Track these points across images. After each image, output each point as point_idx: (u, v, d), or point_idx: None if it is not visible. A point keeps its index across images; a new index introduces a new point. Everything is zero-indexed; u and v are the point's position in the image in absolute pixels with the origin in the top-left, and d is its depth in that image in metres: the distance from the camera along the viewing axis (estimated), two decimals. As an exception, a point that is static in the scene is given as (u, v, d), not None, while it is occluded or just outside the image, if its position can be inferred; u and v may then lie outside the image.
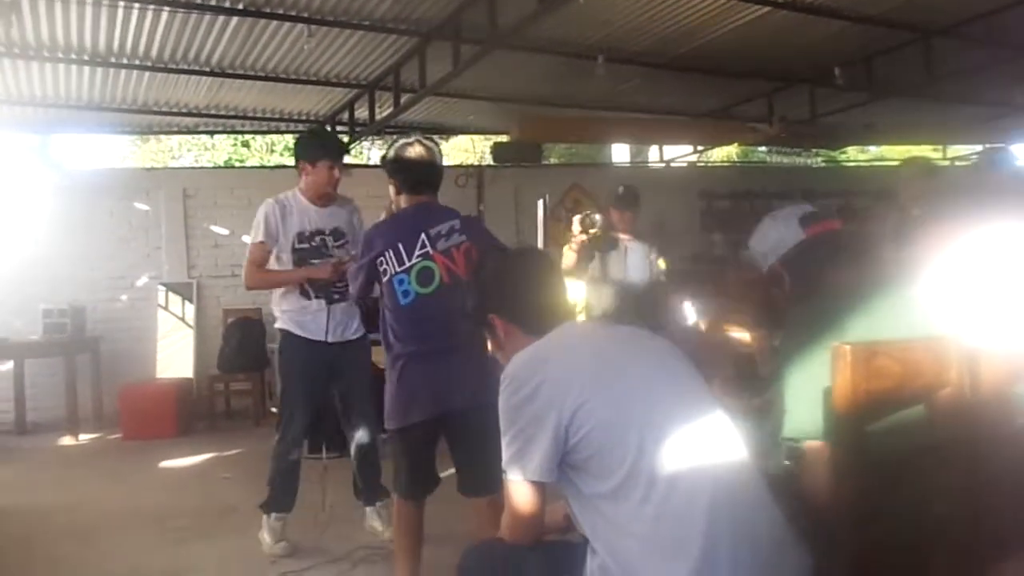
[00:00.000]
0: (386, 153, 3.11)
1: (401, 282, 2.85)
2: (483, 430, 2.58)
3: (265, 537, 3.73)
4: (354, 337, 3.80)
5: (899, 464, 1.61)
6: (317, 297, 3.69)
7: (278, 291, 3.79)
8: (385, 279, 2.88)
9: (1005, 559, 1.27)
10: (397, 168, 2.99)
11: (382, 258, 2.88)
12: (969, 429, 1.56)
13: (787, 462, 1.86)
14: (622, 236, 4.68)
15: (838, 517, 1.58)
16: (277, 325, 3.83)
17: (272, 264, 3.75)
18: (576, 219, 4.40)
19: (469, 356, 2.69)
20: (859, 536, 1.54)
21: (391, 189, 3.03)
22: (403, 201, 3.00)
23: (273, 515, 3.74)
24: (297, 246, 3.71)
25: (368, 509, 3.90)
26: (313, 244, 3.73)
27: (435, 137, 5.93)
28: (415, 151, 2.97)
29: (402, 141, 3.02)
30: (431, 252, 2.86)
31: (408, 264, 2.85)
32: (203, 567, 3.60)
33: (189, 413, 7.08)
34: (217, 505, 4.57)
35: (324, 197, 3.76)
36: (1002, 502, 1.54)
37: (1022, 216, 2.15)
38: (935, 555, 1.55)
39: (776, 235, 2.00)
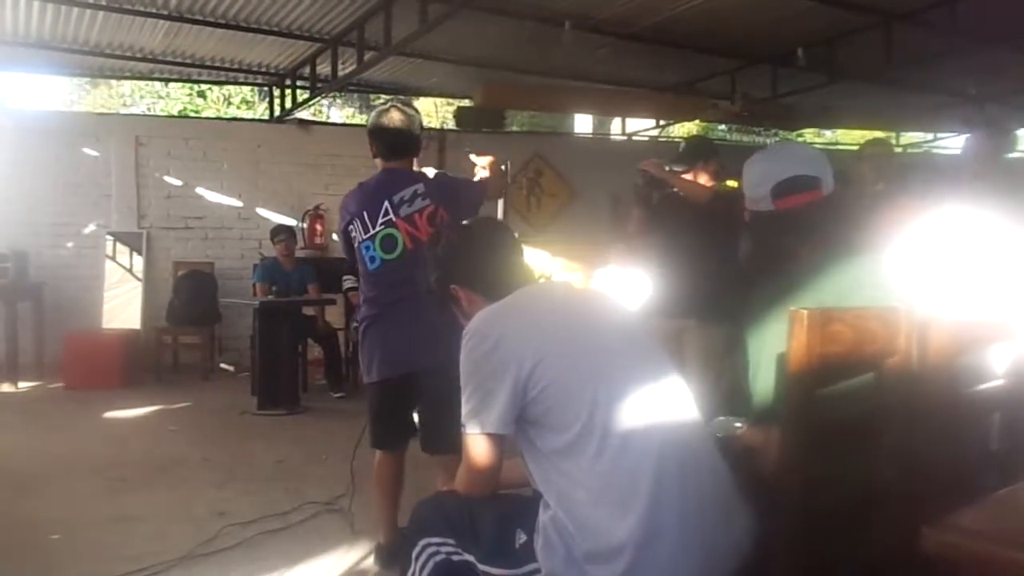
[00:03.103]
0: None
1: (367, 248, 2.92)
2: (446, 389, 2.65)
3: None
4: None
5: (847, 429, 1.65)
6: None
7: None
8: (356, 245, 2.96)
9: (938, 518, 1.31)
10: (373, 134, 3.03)
11: (351, 226, 2.96)
12: (914, 396, 1.60)
13: (738, 425, 1.89)
14: None
15: (786, 479, 1.61)
16: None
17: None
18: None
19: (432, 319, 2.64)
20: (805, 497, 1.58)
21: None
22: (380, 166, 3.04)
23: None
24: None
25: None
26: None
27: (401, 98, 5.79)
28: (388, 117, 3.00)
29: (380, 107, 3.08)
30: (393, 219, 2.89)
31: (372, 232, 2.91)
32: (144, 517, 3.54)
33: (135, 365, 6.95)
34: (162, 457, 4.51)
35: None
36: (940, 467, 1.60)
37: (978, 197, 2.20)
38: (878, 517, 1.60)
39: (752, 192, 1.95)
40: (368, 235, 2.91)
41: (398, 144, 3.02)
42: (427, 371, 2.82)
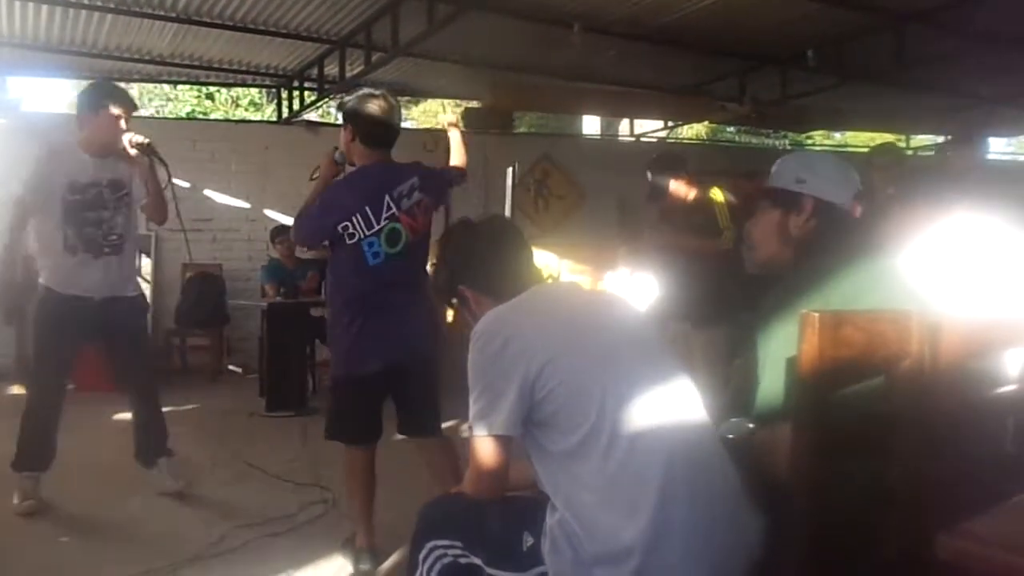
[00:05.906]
0: (346, 100, 3.08)
1: (371, 244, 2.89)
2: (431, 377, 3.02)
3: (14, 497, 3.56)
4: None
5: (859, 432, 1.64)
6: (85, 252, 3.57)
7: (37, 244, 3.61)
8: (352, 242, 2.89)
9: (950, 527, 1.29)
10: (358, 118, 2.96)
11: (347, 223, 2.87)
12: (925, 401, 1.59)
13: (751, 425, 1.87)
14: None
15: (795, 482, 1.60)
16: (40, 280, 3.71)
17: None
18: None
19: (425, 309, 2.98)
20: (816, 500, 1.57)
21: (343, 135, 3.01)
22: (357, 152, 2.98)
23: (24, 473, 3.60)
24: (68, 197, 3.53)
25: (153, 470, 3.83)
26: (87, 196, 3.57)
27: (405, 99, 5.73)
28: (379, 104, 2.94)
29: (366, 91, 3.02)
30: (396, 213, 2.91)
31: (377, 227, 2.89)
32: (153, 518, 3.55)
33: (143, 367, 6.95)
34: (170, 459, 4.50)
35: (105, 147, 3.58)
36: (950, 473, 1.58)
37: (985, 202, 2.18)
38: (890, 521, 1.58)
39: (831, 185, 1.94)
40: (373, 231, 2.88)
41: (385, 134, 2.98)
42: (417, 360, 2.97)
